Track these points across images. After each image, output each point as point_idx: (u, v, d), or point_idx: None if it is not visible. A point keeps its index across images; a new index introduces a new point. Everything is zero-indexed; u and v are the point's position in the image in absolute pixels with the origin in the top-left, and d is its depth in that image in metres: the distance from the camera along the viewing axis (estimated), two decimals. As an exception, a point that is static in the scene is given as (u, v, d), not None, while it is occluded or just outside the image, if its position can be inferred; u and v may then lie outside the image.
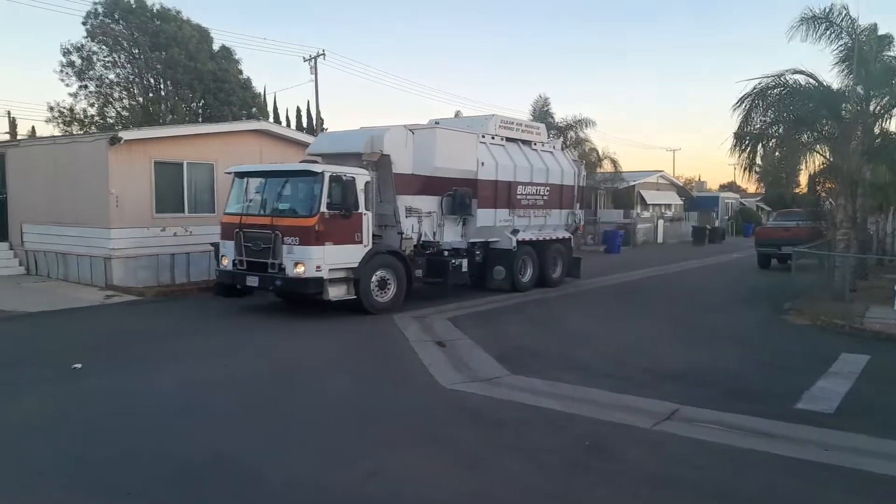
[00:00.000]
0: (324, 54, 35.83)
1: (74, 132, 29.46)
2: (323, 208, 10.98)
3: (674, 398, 7.06)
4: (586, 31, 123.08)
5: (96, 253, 14.67)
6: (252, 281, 11.47)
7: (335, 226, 11.10)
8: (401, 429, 6.23)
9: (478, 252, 14.41)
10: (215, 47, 32.97)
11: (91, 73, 31.16)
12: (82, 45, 30.53)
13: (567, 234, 16.79)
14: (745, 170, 14.35)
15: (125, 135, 14.66)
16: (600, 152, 29.30)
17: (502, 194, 14.62)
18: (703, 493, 4.90)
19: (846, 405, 7.02)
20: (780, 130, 14.33)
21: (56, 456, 5.45)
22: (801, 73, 13.82)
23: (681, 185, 46.46)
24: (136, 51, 30.90)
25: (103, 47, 30.86)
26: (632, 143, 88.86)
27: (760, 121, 14.10)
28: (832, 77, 14.64)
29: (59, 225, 15.43)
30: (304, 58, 36.60)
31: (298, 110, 39.07)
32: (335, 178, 11.14)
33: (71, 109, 31.47)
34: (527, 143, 15.73)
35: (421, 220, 13.15)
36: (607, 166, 29.81)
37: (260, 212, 11.70)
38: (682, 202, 42.64)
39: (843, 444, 5.85)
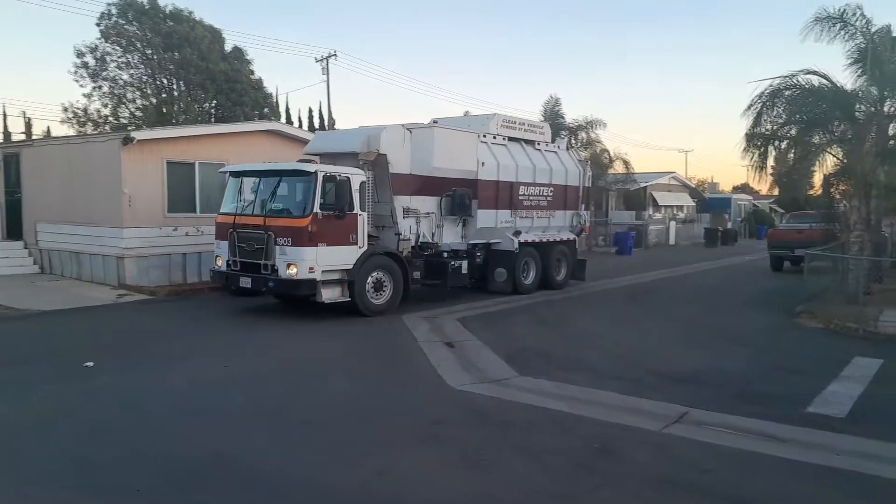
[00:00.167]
0: (335, 55, 35.97)
1: (88, 132, 29.70)
2: (316, 209, 10.81)
3: (683, 401, 7.02)
4: (600, 32, 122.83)
5: (109, 252, 14.80)
6: (245, 282, 11.36)
7: (329, 226, 10.96)
8: (408, 429, 6.24)
9: (478, 254, 14.17)
10: (227, 48, 33.13)
11: (105, 73, 31.40)
12: (96, 46, 30.77)
13: (571, 236, 16.58)
14: (756, 171, 14.25)
15: (138, 135, 14.78)
16: (612, 153, 29.21)
17: (504, 195, 14.44)
18: (710, 496, 4.87)
19: (858, 409, 6.96)
20: (793, 132, 14.22)
21: (66, 453, 5.50)
22: (814, 73, 13.71)
23: (693, 186, 46.19)
24: (150, 51, 31.11)
25: (117, 48, 31.08)
26: (644, 145, 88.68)
27: (772, 122, 14.00)
28: (845, 78, 14.49)
29: (73, 224, 15.57)
30: (315, 58, 36.82)
31: (310, 111, 39.25)
32: (329, 178, 11.00)
33: (85, 110, 31.73)
34: (530, 142, 15.55)
35: (419, 220, 12.97)
36: (619, 167, 29.69)
37: (253, 212, 11.52)
38: (694, 204, 42.40)
39: (855, 448, 5.80)
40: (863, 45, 13.96)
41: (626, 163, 29.72)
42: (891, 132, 14.38)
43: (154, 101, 32.30)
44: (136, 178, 14.41)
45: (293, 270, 10.78)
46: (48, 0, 58.05)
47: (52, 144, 18.14)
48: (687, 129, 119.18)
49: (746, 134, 14.06)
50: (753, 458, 5.55)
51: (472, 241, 14.05)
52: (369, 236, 11.92)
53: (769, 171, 15.41)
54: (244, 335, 10.39)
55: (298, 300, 11.80)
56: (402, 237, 12.53)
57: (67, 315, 11.83)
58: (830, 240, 16.60)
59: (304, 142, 17.59)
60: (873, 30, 14.05)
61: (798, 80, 13.71)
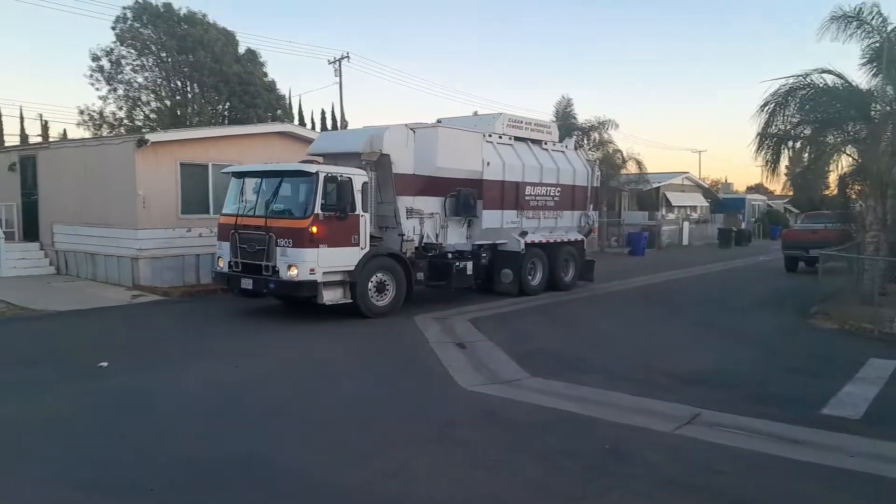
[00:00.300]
0: (348, 57, 36.11)
1: (104, 135, 30.00)
2: (317, 209, 10.73)
3: (696, 402, 6.98)
4: (614, 32, 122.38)
5: (124, 253, 14.94)
6: (246, 283, 11.32)
7: (330, 227, 10.88)
8: (419, 429, 6.25)
9: (484, 254, 13.98)
10: (241, 50, 33.32)
11: (120, 76, 31.72)
12: (111, 50, 31.08)
13: (579, 237, 16.39)
14: (769, 171, 14.14)
15: (152, 137, 14.91)
16: (625, 154, 29.05)
17: (510, 195, 14.31)
18: (721, 498, 4.84)
19: (874, 411, 6.89)
20: (807, 131, 14.09)
21: (80, 453, 5.56)
22: (829, 72, 13.57)
23: (706, 186, 45.89)
24: (164, 54, 31.38)
25: (132, 51, 31.37)
26: (657, 145, 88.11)
27: (786, 121, 13.88)
28: (859, 77, 14.33)
29: (88, 225, 15.73)
30: (328, 60, 36.90)
31: (323, 112, 39.36)
32: (330, 179, 10.91)
33: (101, 113, 32.06)
34: (537, 142, 15.38)
35: (423, 221, 12.85)
36: (632, 167, 29.51)
37: (255, 213, 11.45)
38: (707, 204, 42.13)
39: (870, 450, 5.75)
40: (878, 44, 13.82)
41: (639, 163, 29.56)
42: (906, 131, 14.21)
43: (168, 103, 32.56)
44: (151, 179, 14.53)
45: (294, 272, 10.72)
46: (65, 4, 58.71)
47: (67, 147, 18.33)
48: (701, 130, 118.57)
49: (759, 133, 13.95)
50: (767, 459, 5.51)
51: (477, 242, 13.93)
52: (372, 237, 11.84)
53: (783, 170, 15.29)
54: (257, 336, 10.44)
55: (300, 301, 11.76)
56: (405, 238, 12.44)
57: (82, 316, 11.95)
58: (846, 240, 16.43)
59: (317, 143, 17.69)
60: (889, 28, 13.90)
61: (812, 80, 13.58)
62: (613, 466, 5.38)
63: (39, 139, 32.26)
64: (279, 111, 33.39)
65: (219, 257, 12.01)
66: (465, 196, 13.09)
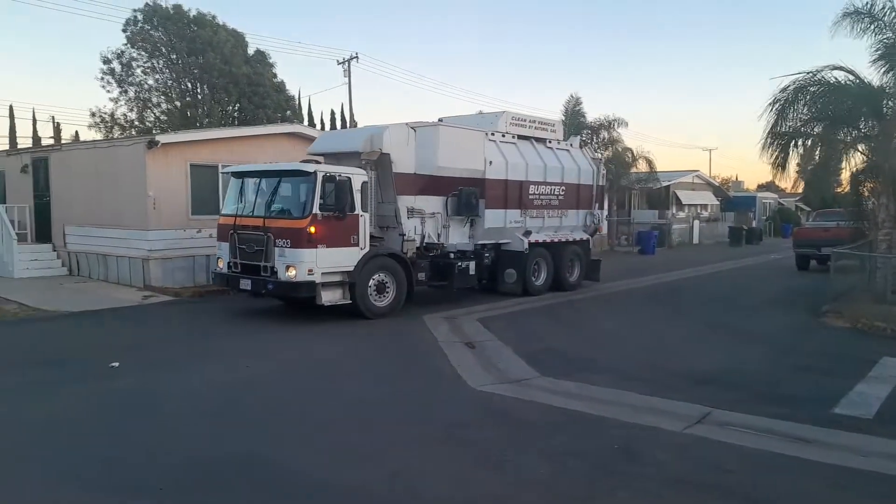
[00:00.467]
0: (357, 57, 36.16)
1: (115, 137, 30.21)
2: (315, 209, 10.63)
3: (706, 401, 6.94)
4: (624, 31, 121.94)
5: (135, 254, 15.04)
6: (245, 284, 11.27)
7: (329, 227, 10.80)
8: (427, 429, 6.25)
9: (487, 254, 13.87)
10: (250, 51, 33.47)
11: (131, 78, 31.96)
12: (122, 52, 31.32)
13: (585, 236, 16.25)
14: (778, 168, 14.04)
15: (162, 138, 15.01)
16: (635, 152, 28.92)
17: (513, 194, 14.19)
18: (731, 498, 4.81)
19: (886, 410, 6.83)
20: (817, 129, 13.98)
21: (91, 452, 5.60)
22: (840, 69, 13.47)
23: (717, 184, 45.63)
24: (174, 56, 31.58)
25: (142, 53, 31.61)
26: (667, 143, 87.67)
27: (796, 118, 13.78)
28: (870, 74, 14.18)
29: (100, 227, 15.84)
30: (337, 61, 36.98)
31: (332, 113, 39.47)
32: (328, 178, 10.80)
33: (112, 115, 32.32)
34: (541, 140, 15.24)
35: (424, 221, 12.74)
36: (642, 166, 29.37)
37: (253, 213, 11.39)
38: (718, 202, 41.88)
39: (882, 450, 5.70)
40: (890, 41, 13.69)
41: (649, 161, 29.42)
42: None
43: (178, 105, 32.77)
44: (161, 180, 14.62)
45: (292, 272, 10.64)
46: (76, 8, 59.16)
47: (79, 149, 18.47)
48: (711, 127, 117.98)
49: (769, 131, 13.86)
50: (777, 459, 5.47)
51: (479, 242, 13.81)
52: (372, 237, 11.78)
53: (794, 168, 15.16)
54: (266, 336, 10.47)
55: (300, 302, 11.73)
56: (406, 238, 12.35)
57: (94, 316, 12.04)
58: (858, 238, 16.30)
59: (326, 144, 17.73)
60: (902, 23, 13.77)
61: (823, 77, 13.49)
62: (622, 466, 5.36)
63: (52, 141, 32.56)
64: (288, 112, 33.50)
65: (218, 258, 11.98)
66: (466, 195, 12.98)
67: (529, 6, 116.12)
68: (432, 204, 12.91)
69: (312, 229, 10.65)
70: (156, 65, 32.09)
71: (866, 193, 15.98)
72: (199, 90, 32.69)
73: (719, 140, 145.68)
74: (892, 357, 9.10)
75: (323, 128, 37.18)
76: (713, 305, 14.46)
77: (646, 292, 16.41)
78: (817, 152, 14.93)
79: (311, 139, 17.63)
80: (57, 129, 34.81)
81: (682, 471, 5.25)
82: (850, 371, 8.35)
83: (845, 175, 16.79)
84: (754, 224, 41.13)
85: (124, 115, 32.55)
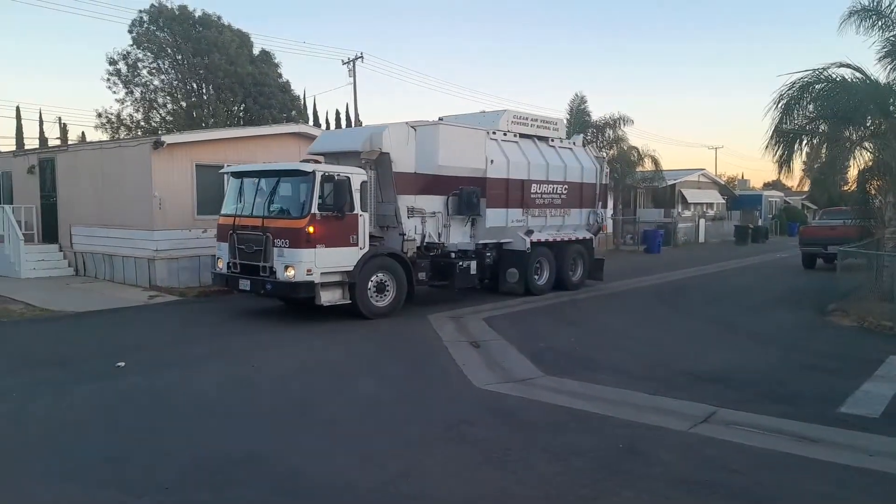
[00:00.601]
0: (362, 57, 36.14)
1: (121, 137, 30.35)
2: (314, 209, 10.59)
3: (711, 401, 6.92)
4: (629, 29, 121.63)
5: (140, 254, 15.09)
6: (244, 285, 11.26)
7: (328, 227, 10.75)
8: (432, 428, 6.25)
9: (489, 254, 13.83)
10: (255, 51, 33.58)
11: (136, 79, 32.11)
12: (128, 53, 31.46)
13: (588, 235, 16.17)
14: (783, 167, 13.98)
15: (168, 139, 15.06)
16: (640, 150, 28.85)
17: (515, 193, 14.11)
18: (736, 497, 4.80)
19: (892, 409, 6.80)
20: (823, 126, 13.91)
21: (98, 451, 5.62)
22: (847, 66, 13.38)
23: (723, 183, 45.53)
24: (180, 57, 31.70)
25: (148, 54, 31.74)
26: (673, 142, 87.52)
27: (802, 116, 13.71)
28: (877, 71, 14.09)
29: (106, 227, 15.91)
30: (342, 61, 36.97)
31: (338, 113, 39.42)
32: (327, 178, 10.77)
33: (118, 115, 32.47)
34: (543, 139, 15.16)
35: (424, 220, 12.69)
36: (647, 165, 29.30)
37: (252, 213, 11.37)
38: (724, 201, 41.79)
39: (889, 449, 5.67)
40: (896, 38, 13.61)
41: (654, 160, 29.35)
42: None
43: (184, 105, 32.89)
44: (167, 181, 14.68)
45: (291, 273, 10.60)
46: (83, 9, 59.39)
47: (85, 149, 18.54)
48: (717, 126, 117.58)
49: (774, 129, 13.79)
50: (783, 458, 5.46)
51: (481, 241, 13.74)
52: (372, 237, 11.74)
53: (801, 166, 15.09)
54: (271, 336, 10.49)
55: (300, 302, 11.71)
56: (406, 237, 12.31)
57: (100, 316, 12.09)
58: (865, 236, 16.22)
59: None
60: (910, 19, 13.69)
61: (829, 74, 13.41)
62: (627, 465, 5.35)
63: (58, 142, 32.70)
64: (293, 112, 33.59)
65: (217, 258, 11.96)
66: (467, 194, 12.91)
67: (536, 5, 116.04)
68: (433, 203, 12.86)
69: (311, 229, 10.61)
70: (161, 65, 32.24)
71: (873, 191, 15.89)
72: (204, 90, 32.82)
73: (725, 139, 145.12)
74: (900, 356, 9.05)
75: (328, 128, 37.19)
76: (718, 304, 14.42)
77: (651, 291, 16.36)
78: (824, 150, 14.85)
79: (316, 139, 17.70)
80: (63, 130, 34.99)
81: (688, 470, 5.24)
82: (857, 370, 8.31)
83: (852, 173, 16.71)
84: (760, 222, 40.97)
85: (130, 115, 32.74)
